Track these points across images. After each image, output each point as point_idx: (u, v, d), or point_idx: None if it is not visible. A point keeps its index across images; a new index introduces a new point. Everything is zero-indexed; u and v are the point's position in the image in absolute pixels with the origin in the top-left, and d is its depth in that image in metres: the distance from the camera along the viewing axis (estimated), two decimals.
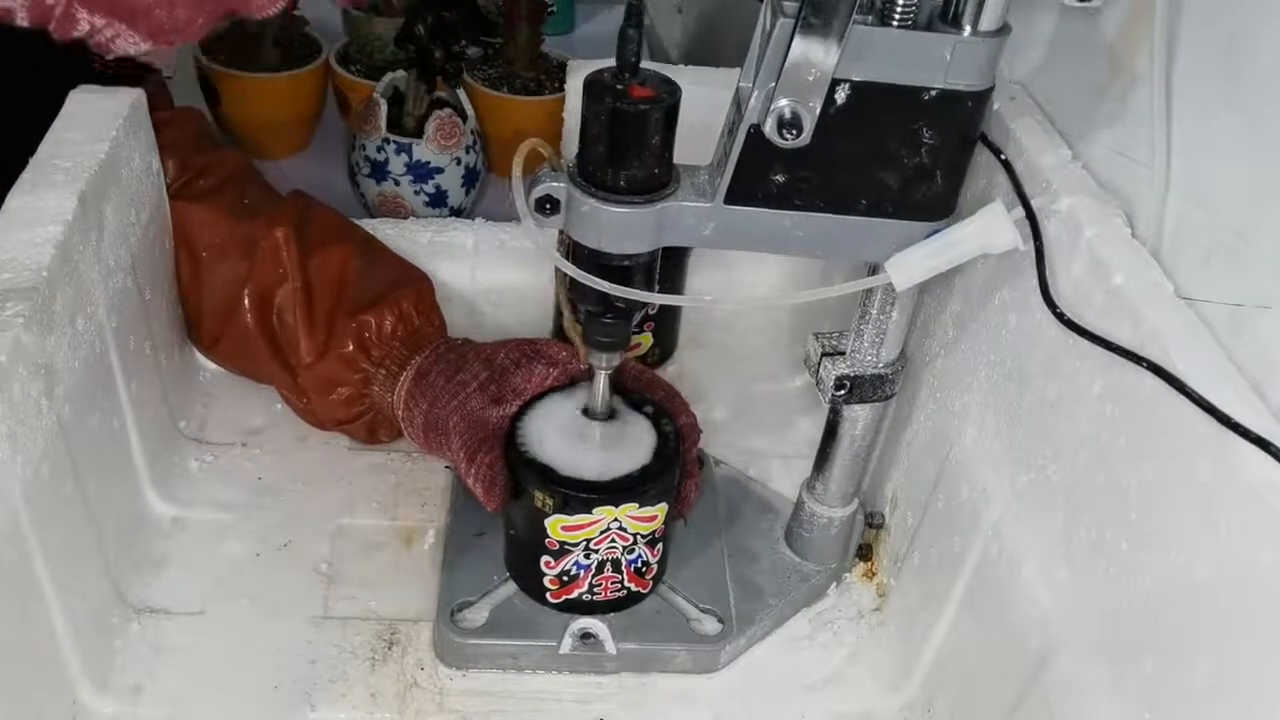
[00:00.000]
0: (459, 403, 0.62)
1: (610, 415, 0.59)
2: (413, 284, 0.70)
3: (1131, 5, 0.50)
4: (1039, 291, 0.49)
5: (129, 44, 0.37)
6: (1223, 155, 0.45)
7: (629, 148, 0.47)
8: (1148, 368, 0.42)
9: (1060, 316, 0.48)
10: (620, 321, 0.54)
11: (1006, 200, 0.51)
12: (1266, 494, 0.36)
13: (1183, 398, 0.40)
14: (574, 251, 0.51)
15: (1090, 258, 0.47)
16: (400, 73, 0.88)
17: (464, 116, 0.88)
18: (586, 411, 0.59)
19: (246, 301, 0.67)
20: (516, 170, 0.48)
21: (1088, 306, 0.47)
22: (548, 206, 0.50)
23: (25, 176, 0.55)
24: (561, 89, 0.90)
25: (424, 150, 0.86)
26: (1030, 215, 0.50)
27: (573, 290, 0.53)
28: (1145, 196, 0.48)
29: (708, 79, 0.76)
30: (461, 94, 0.90)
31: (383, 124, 0.85)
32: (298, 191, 0.73)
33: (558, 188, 0.49)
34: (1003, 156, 0.54)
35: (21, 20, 0.36)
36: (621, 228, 0.49)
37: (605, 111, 0.46)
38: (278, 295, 0.67)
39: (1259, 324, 0.41)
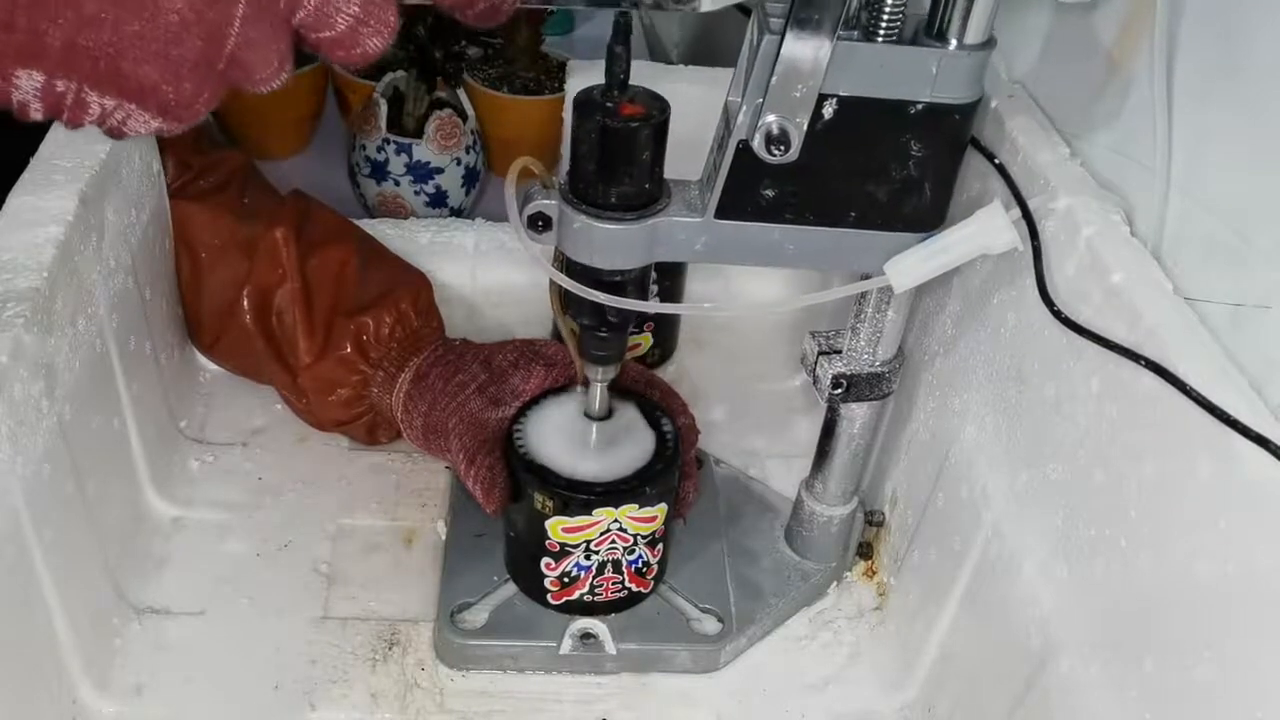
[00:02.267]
0: (458, 405, 0.62)
1: (609, 416, 0.59)
2: (411, 285, 0.69)
3: (1131, 2, 0.50)
4: (1037, 290, 0.49)
5: (140, 124, 0.36)
6: (1223, 153, 0.45)
7: (619, 165, 0.47)
8: (1146, 366, 0.42)
9: (1058, 315, 0.48)
10: (615, 335, 0.54)
11: (1005, 200, 0.51)
12: (1266, 492, 0.36)
13: (1182, 395, 0.40)
14: (567, 266, 0.51)
15: (1089, 256, 0.47)
16: (400, 73, 0.87)
17: (464, 116, 0.88)
18: (586, 413, 0.59)
19: (246, 302, 0.67)
20: (510, 189, 0.48)
21: (1086, 305, 0.47)
22: (540, 224, 0.50)
23: (25, 176, 0.55)
24: (561, 89, 0.90)
25: (424, 150, 0.86)
26: (1027, 215, 0.50)
27: (567, 304, 0.53)
28: (1145, 195, 0.48)
29: (707, 79, 0.76)
30: (461, 94, 0.90)
31: (383, 124, 0.85)
32: (298, 191, 0.73)
33: (549, 205, 0.49)
34: (996, 161, 0.54)
35: (36, 112, 0.36)
36: (613, 244, 0.49)
37: (595, 129, 0.46)
38: (277, 295, 0.67)
39: (1259, 324, 0.41)
